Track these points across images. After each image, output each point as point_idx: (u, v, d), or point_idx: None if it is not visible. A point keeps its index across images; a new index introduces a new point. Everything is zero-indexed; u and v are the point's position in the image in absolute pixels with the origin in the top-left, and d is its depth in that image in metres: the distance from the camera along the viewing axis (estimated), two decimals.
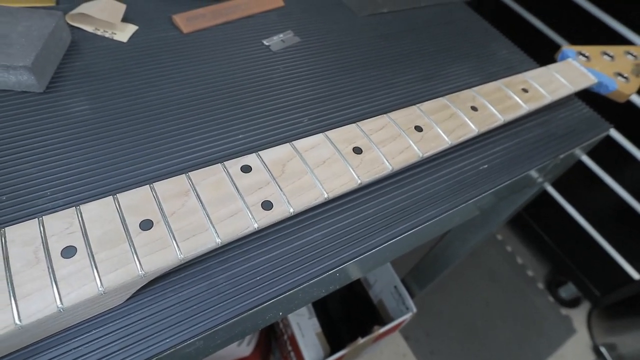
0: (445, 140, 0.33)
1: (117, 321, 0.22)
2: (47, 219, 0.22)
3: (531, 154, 0.38)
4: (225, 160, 0.26)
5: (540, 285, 1.34)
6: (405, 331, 1.17)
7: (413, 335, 1.17)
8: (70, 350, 0.21)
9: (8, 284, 0.20)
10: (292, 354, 0.78)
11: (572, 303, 1.29)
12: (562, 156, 0.39)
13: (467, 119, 0.35)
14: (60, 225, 0.22)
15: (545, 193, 1.19)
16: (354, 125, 0.31)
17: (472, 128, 0.35)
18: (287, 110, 0.35)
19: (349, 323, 0.89)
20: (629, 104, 0.90)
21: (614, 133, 0.96)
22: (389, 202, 0.31)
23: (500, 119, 0.36)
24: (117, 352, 0.21)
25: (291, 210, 0.26)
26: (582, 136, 0.41)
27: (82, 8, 0.35)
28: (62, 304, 0.20)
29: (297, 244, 0.27)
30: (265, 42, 0.40)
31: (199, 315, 0.23)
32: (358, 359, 1.08)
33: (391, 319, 0.78)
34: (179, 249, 0.22)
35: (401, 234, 0.29)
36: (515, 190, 0.39)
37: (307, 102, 0.36)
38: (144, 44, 0.36)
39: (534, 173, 0.38)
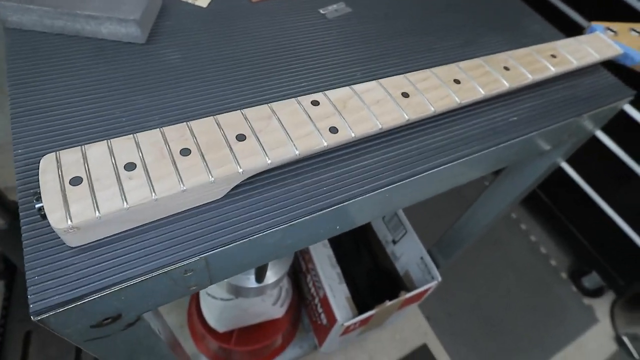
0: (480, 92, 0.38)
1: (217, 210, 0.28)
2: (165, 129, 0.28)
3: (557, 112, 0.42)
4: None
5: (564, 275, 1.35)
6: (427, 311, 1.21)
7: (434, 316, 1.21)
8: (184, 227, 0.27)
9: (144, 170, 0.26)
10: (322, 315, 0.84)
11: (596, 293, 1.31)
12: (586, 115, 0.43)
13: (499, 76, 0.40)
14: (176, 133, 0.28)
15: (571, 181, 1.21)
16: (401, 76, 0.37)
17: (504, 83, 0.39)
18: (342, 66, 0.40)
19: (375, 293, 0.94)
20: None
21: None
22: (430, 140, 0.36)
23: (529, 77, 0.41)
24: (215, 232, 0.27)
25: (352, 134, 0.31)
26: (605, 99, 0.45)
27: None
28: (184, 186, 0.26)
29: (355, 166, 0.32)
30: (322, 11, 0.45)
31: (277, 212, 0.29)
32: (381, 331, 1.13)
33: (416, 289, 0.83)
34: (267, 156, 0.28)
35: (439, 166, 0.34)
36: (544, 144, 0.43)
37: (359, 61, 0.41)
38: (220, 9, 0.43)
39: (556, 131, 0.42)
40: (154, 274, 0.25)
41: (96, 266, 0.24)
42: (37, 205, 0.24)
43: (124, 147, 0.27)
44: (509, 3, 0.56)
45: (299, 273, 0.95)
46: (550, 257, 1.39)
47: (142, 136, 0.28)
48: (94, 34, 0.37)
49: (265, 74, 0.38)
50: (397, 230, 0.91)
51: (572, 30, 0.53)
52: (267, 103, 0.35)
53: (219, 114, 0.30)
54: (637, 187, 1.06)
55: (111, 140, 0.27)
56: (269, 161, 0.28)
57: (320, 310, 0.84)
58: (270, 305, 0.82)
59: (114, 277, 0.24)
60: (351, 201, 0.30)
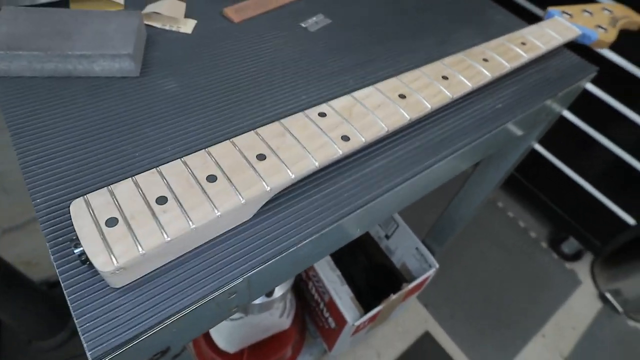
0: (467, 85, 0.40)
1: (250, 229, 0.29)
2: (186, 158, 0.29)
3: (535, 94, 0.45)
4: None
5: (544, 245, 1.43)
6: (425, 299, 1.25)
7: (432, 302, 1.25)
8: (222, 250, 0.27)
9: (177, 202, 0.26)
10: (330, 319, 0.85)
11: (575, 256, 1.38)
12: (560, 94, 0.47)
13: (481, 68, 0.42)
14: (198, 161, 0.29)
15: (540, 156, 1.28)
16: (394, 78, 0.39)
17: (487, 74, 0.42)
18: (333, 76, 0.42)
19: (376, 290, 0.96)
20: (611, 64, 0.99)
21: (602, 94, 1.05)
22: (430, 135, 0.38)
23: (507, 66, 0.44)
24: (253, 251, 0.28)
25: (363, 140, 0.33)
26: (574, 77, 0.48)
27: (152, 7, 0.42)
28: (219, 212, 0.26)
29: (369, 169, 0.34)
30: (303, 25, 0.47)
31: (306, 223, 0.30)
32: (385, 326, 1.15)
33: (415, 279, 0.85)
34: (290, 171, 0.29)
35: (443, 159, 0.36)
36: (525, 126, 0.47)
37: (348, 68, 0.43)
38: (206, 34, 0.43)
39: (537, 112, 0.45)
40: (203, 301, 0.25)
41: (145, 303, 0.25)
42: (76, 252, 0.24)
43: (149, 181, 0.27)
44: None
45: (299, 282, 0.95)
46: (529, 230, 1.46)
47: (165, 169, 0.28)
48: (86, 73, 0.37)
49: (264, 92, 0.39)
50: (389, 225, 0.94)
51: (525, 15, 0.57)
52: (273, 120, 0.36)
53: (230, 137, 0.31)
54: (599, 153, 1.14)
55: (135, 177, 0.27)
56: (293, 176, 0.29)
57: (327, 314, 0.85)
58: (277, 318, 0.82)
59: (164, 311, 0.24)
60: (373, 202, 0.32)
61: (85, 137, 0.32)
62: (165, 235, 0.25)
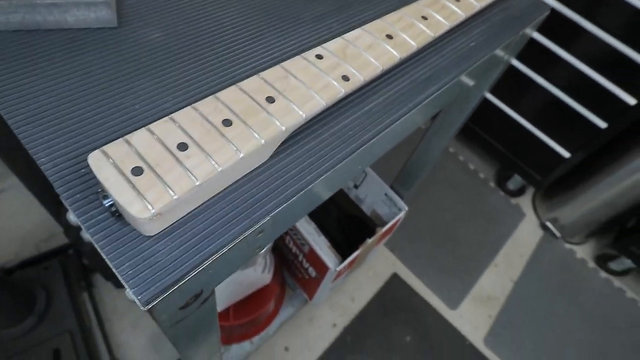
0: (445, 24, 0.42)
1: (269, 170, 0.30)
2: (197, 105, 0.28)
3: (502, 31, 0.48)
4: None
5: (492, 184, 1.55)
6: (391, 244, 1.32)
7: (398, 246, 1.33)
8: (247, 191, 0.28)
9: (198, 147, 0.26)
10: (310, 269, 0.88)
11: (519, 192, 1.52)
12: (521, 32, 0.50)
13: (455, 8, 0.44)
14: (209, 107, 0.29)
15: (486, 101, 1.36)
16: (379, 20, 0.40)
17: (460, 14, 0.44)
18: (318, 20, 0.42)
19: (349, 238, 1.00)
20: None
21: (540, 37, 1.12)
22: (418, 73, 0.40)
23: (476, 5, 0.46)
24: (276, 190, 0.29)
25: (362, 79, 0.34)
26: (533, 15, 0.52)
27: None
28: (242, 153, 0.27)
29: (367, 108, 0.35)
30: None
31: (320, 161, 0.31)
32: (356, 272, 1.22)
33: (386, 223, 0.90)
34: (301, 111, 0.30)
35: (433, 94, 0.39)
36: (483, 71, 0.50)
37: (330, 12, 0.43)
38: None
39: (504, 49, 0.49)
40: (236, 241, 0.26)
41: (182, 247, 0.25)
42: (106, 203, 0.24)
43: (165, 129, 0.27)
44: None
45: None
46: (479, 171, 1.57)
47: (178, 116, 0.28)
48: (57, 25, 0.34)
49: (253, 37, 0.38)
50: (358, 175, 0.97)
51: None
52: (270, 65, 0.36)
53: (229, 84, 0.31)
54: (536, 93, 1.23)
55: (149, 126, 0.27)
56: (304, 115, 0.30)
57: (306, 265, 0.89)
58: (260, 273, 0.84)
59: (202, 252, 0.25)
60: (376, 137, 0.34)
61: (75, 92, 0.31)
62: (195, 180, 0.25)
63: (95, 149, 0.25)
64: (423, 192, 1.46)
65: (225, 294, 0.79)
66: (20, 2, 0.32)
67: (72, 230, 0.88)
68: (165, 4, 0.39)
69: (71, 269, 1.04)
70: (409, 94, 0.37)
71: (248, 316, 0.87)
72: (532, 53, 1.16)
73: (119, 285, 1.04)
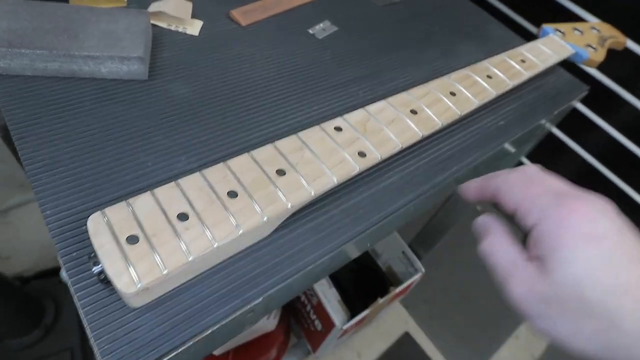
0: (474, 101, 0.41)
1: (269, 246, 0.28)
2: (206, 172, 0.28)
3: (534, 111, 0.47)
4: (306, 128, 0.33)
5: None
6: (405, 301, 1.27)
7: (412, 304, 1.27)
8: (242, 269, 0.27)
9: (199, 219, 0.26)
10: (317, 322, 0.85)
11: None
12: (556, 112, 0.48)
13: (486, 85, 0.43)
14: (218, 175, 0.28)
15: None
16: (405, 93, 0.39)
17: (491, 91, 0.43)
18: (343, 86, 0.42)
19: (362, 293, 0.97)
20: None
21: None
22: (439, 152, 0.38)
23: (509, 83, 0.45)
24: (272, 269, 0.27)
25: (379, 156, 0.33)
26: (568, 95, 0.50)
27: (157, 6, 0.41)
28: (241, 230, 0.26)
29: (383, 185, 0.34)
30: (310, 31, 0.46)
31: (325, 239, 0.30)
32: (369, 326, 1.17)
33: (401, 282, 0.87)
34: (310, 187, 0.29)
35: (452, 176, 0.37)
36: (524, 140, 0.48)
37: (357, 79, 0.43)
38: (214, 36, 0.42)
39: (535, 129, 0.47)
40: (224, 321, 0.25)
41: (166, 323, 0.24)
42: (95, 270, 0.23)
43: (169, 196, 0.26)
44: (469, 11, 0.60)
45: None
46: None
47: (184, 182, 0.27)
48: (91, 74, 0.35)
49: (275, 100, 0.38)
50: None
51: (516, 29, 0.59)
52: (287, 130, 0.36)
53: (244, 147, 0.30)
54: (571, 159, 1.18)
55: (154, 191, 0.26)
56: (313, 193, 0.29)
57: (313, 317, 0.85)
58: (265, 319, 0.82)
59: (186, 332, 0.24)
60: (388, 218, 0.32)
61: (95, 143, 0.31)
62: (188, 255, 0.24)
63: (101, 204, 0.25)
64: (444, 248, 1.41)
65: None
66: (60, 52, 0.33)
67: None
68: (198, 59, 0.40)
69: None
70: (427, 174, 0.36)
71: None
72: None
73: None
